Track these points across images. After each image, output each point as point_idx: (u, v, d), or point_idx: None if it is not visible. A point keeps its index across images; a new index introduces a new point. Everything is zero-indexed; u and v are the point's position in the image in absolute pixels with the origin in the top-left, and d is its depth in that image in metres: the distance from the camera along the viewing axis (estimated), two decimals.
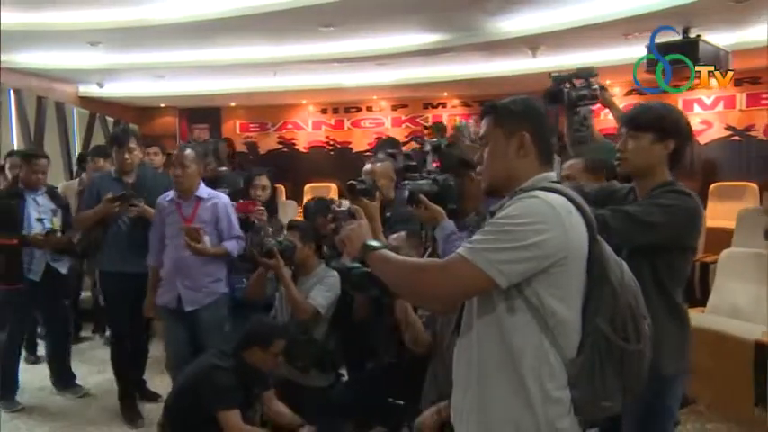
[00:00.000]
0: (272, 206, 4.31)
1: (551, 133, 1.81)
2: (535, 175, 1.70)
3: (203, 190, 3.78)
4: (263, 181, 4.26)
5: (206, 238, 3.63)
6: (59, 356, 4.74)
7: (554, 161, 1.78)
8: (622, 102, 10.21)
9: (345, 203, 2.53)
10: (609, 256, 1.65)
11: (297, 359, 3.31)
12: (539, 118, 1.76)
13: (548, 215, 1.55)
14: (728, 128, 9.44)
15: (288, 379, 3.41)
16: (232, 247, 3.68)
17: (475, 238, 1.59)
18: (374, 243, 1.81)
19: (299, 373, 3.32)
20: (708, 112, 9.50)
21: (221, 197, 3.82)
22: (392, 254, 1.77)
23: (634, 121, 2.37)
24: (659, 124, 2.30)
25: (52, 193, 4.68)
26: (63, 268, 4.59)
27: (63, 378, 4.72)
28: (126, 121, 12.09)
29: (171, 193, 3.79)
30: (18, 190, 4.57)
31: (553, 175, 1.74)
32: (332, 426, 3.31)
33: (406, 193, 2.57)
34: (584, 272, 1.61)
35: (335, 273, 3.40)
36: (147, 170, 4.46)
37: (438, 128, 7.98)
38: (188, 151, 3.75)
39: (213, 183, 4.70)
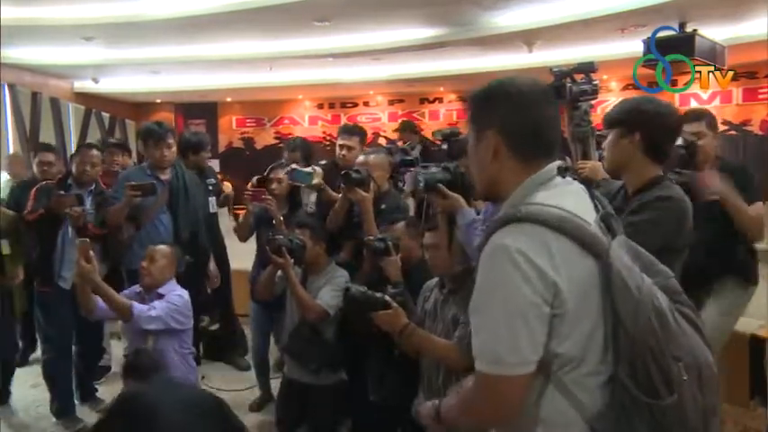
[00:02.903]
0: (294, 200, 4.10)
1: (537, 120, 1.44)
2: (518, 179, 1.42)
3: (166, 287, 3.32)
4: (279, 174, 4.05)
5: (150, 339, 3.19)
6: (87, 371, 4.37)
7: (547, 151, 1.46)
8: (620, 96, 10.22)
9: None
10: (619, 280, 1.31)
11: (310, 361, 3.25)
12: (507, 107, 1.43)
13: (521, 266, 1.29)
14: (725, 122, 9.44)
15: (298, 380, 3.37)
16: (138, 308, 3.10)
17: (474, 335, 1.36)
18: (432, 409, 1.73)
19: (312, 375, 3.28)
20: (704, 106, 9.49)
21: (173, 290, 3.33)
22: (449, 402, 1.65)
23: (606, 118, 2.35)
24: (624, 118, 2.28)
25: (98, 193, 4.19)
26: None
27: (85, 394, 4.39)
28: (121, 117, 12.07)
29: (139, 286, 3.41)
30: (64, 186, 4.08)
31: (545, 172, 1.43)
32: (333, 424, 3.31)
33: (421, 184, 2.53)
34: (600, 307, 1.33)
35: (345, 272, 3.35)
36: (182, 167, 4.25)
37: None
38: (162, 247, 3.39)
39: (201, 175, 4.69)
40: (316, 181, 3.78)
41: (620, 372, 1.31)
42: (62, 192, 3.90)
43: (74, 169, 4.15)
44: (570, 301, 1.30)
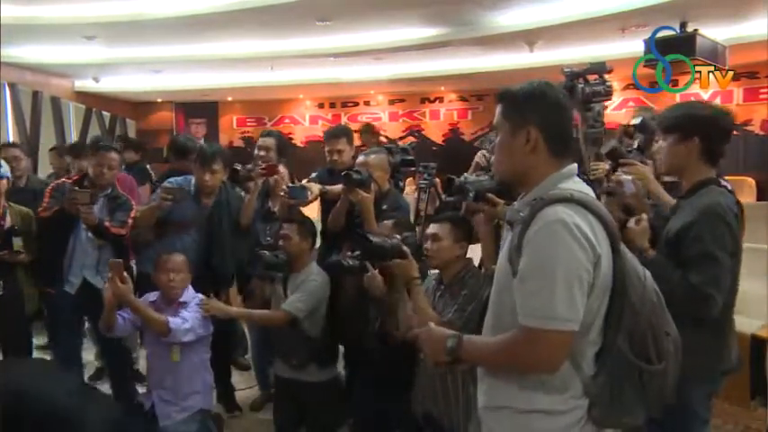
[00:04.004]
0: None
1: (566, 121, 1.66)
2: (548, 171, 1.60)
3: (188, 294, 3.37)
4: (279, 168, 3.96)
5: (175, 349, 3.25)
6: (118, 378, 4.15)
7: (572, 150, 1.66)
8: (620, 96, 10.24)
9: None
10: (630, 268, 1.57)
11: (291, 356, 3.27)
12: (547, 107, 1.62)
13: (581, 239, 1.47)
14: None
15: (288, 378, 3.38)
16: (174, 322, 3.13)
17: (526, 295, 1.50)
18: (452, 339, 1.66)
19: (296, 371, 3.30)
20: None
21: (197, 298, 3.38)
22: (475, 340, 1.67)
23: (662, 124, 2.44)
24: (681, 123, 2.35)
25: (112, 197, 3.92)
26: (101, 285, 3.74)
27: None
28: (122, 116, 12.08)
29: (154, 295, 3.39)
30: (80, 187, 3.79)
31: (572, 168, 1.63)
32: (333, 421, 3.31)
33: (471, 193, 2.55)
34: (609, 284, 1.54)
35: (320, 277, 3.35)
36: (227, 191, 3.95)
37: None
38: (174, 257, 3.33)
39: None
40: (312, 196, 3.75)
41: (619, 341, 1.54)
42: (76, 188, 3.71)
43: (90, 171, 3.93)
44: (601, 274, 1.51)
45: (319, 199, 3.97)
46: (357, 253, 2.95)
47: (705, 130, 2.33)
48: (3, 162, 3.94)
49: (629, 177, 2.61)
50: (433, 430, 2.63)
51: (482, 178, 2.60)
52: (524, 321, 1.50)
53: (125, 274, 3.02)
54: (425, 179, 3.70)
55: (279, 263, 3.28)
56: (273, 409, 3.61)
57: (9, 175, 4.02)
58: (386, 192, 3.60)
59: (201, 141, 5.24)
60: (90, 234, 3.82)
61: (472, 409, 1.82)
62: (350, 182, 3.33)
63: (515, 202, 1.69)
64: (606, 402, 1.55)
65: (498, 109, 1.68)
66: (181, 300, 3.29)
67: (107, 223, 3.78)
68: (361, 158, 3.64)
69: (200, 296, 3.34)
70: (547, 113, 1.61)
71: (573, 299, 1.47)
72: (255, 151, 4.24)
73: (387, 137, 11.54)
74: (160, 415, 3.27)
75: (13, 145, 4.97)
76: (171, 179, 3.92)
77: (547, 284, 1.47)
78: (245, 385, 4.48)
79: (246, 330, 4.71)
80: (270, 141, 4.24)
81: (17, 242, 3.89)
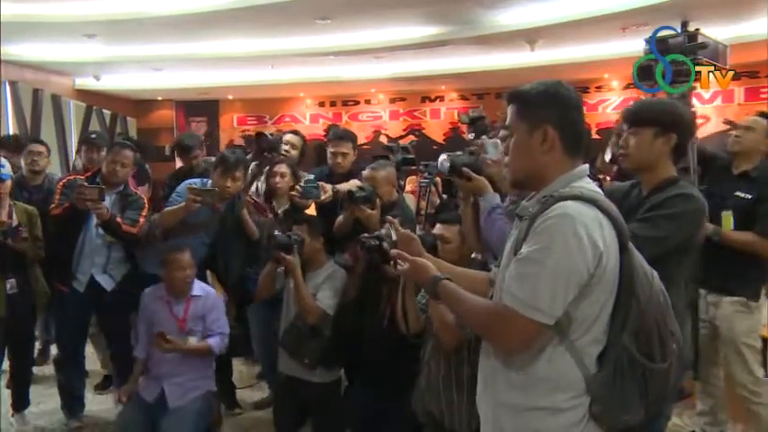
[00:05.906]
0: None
1: (580, 121, 1.67)
2: (563, 169, 1.62)
3: (196, 287, 3.55)
4: (282, 168, 4.01)
5: (192, 339, 3.48)
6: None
7: (583, 149, 1.68)
8: (621, 95, 10.24)
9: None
10: (639, 267, 1.59)
11: (305, 356, 3.26)
12: (563, 107, 1.63)
13: (582, 238, 1.48)
14: (727, 122, 9.41)
15: (292, 376, 3.38)
16: (215, 343, 3.48)
17: (513, 277, 1.54)
18: (437, 274, 1.78)
19: (305, 370, 3.29)
20: (706, 106, 9.48)
21: (211, 293, 3.61)
22: (457, 289, 1.72)
23: (634, 117, 2.38)
24: (660, 119, 2.31)
25: (124, 195, 3.92)
26: (108, 284, 3.89)
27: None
28: (123, 114, 12.08)
29: (161, 290, 3.54)
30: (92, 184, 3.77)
31: (584, 168, 1.65)
32: (339, 422, 3.31)
33: (447, 165, 2.53)
34: (616, 283, 1.56)
35: (344, 272, 3.35)
36: (239, 195, 3.92)
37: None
38: (184, 255, 3.47)
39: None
40: (324, 195, 3.72)
41: (624, 338, 1.54)
42: (85, 184, 3.69)
43: (103, 168, 3.91)
44: (605, 271, 1.52)
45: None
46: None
47: (683, 128, 2.33)
48: (5, 162, 3.92)
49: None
50: (433, 429, 2.63)
51: (460, 153, 2.58)
52: (505, 300, 1.54)
53: None
54: (426, 178, 3.69)
55: (291, 243, 3.24)
56: (274, 409, 3.62)
57: (11, 175, 3.99)
58: (393, 202, 3.58)
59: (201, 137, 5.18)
60: (101, 231, 3.82)
61: (473, 407, 1.81)
62: (354, 200, 3.31)
63: (524, 201, 1.69)
64: (607, 399, 1.56)
65: (511, 110, 1.69)
66: (194, 294, 3.51)
67: (119, 219, 3.77)
68: (367, 172, 3.60)
69: (211, 290, 3.62)
70: (563, 112, 1.62)
71: (556, 294, 1.49)
72: (282, 146, 4.29)
73: (387, 136, 11.59)
74: (171, 399, 3.44)
75: (40, 141, 4.86)
76: (189, 181, 3.90)
77: (535, 272, 1.50)
78: (245, 384, 4.50)
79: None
80: (296, 139, 4.41)
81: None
